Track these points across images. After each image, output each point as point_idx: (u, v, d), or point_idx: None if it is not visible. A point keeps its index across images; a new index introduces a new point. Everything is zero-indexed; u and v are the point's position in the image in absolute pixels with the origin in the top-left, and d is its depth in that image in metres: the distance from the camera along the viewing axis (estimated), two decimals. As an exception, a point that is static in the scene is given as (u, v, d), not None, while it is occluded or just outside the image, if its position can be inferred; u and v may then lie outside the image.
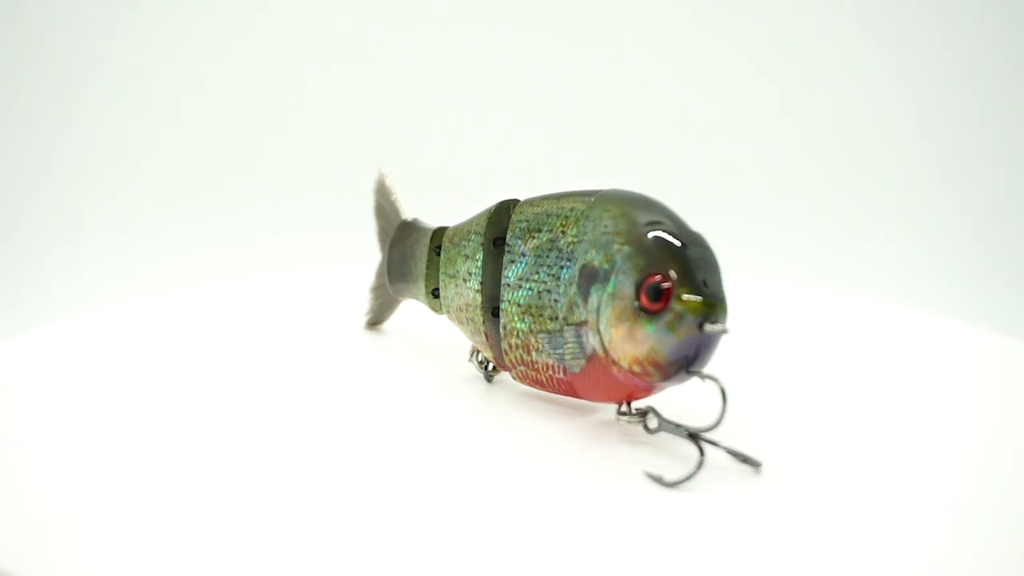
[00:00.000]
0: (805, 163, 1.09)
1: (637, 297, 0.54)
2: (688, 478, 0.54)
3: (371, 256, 0.76)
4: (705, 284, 0.53)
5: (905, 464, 0.58)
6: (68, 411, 0.61)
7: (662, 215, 0.57)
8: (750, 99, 1.10)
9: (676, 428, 0.56)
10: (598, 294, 0.56)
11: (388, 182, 0.73)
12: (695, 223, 0.58)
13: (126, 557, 0.48)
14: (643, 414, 0.57)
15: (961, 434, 0.62)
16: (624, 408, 0.58)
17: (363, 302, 0.75)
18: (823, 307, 0.83)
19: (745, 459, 0.55)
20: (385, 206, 0.73)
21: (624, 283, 0.55)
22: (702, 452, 0.54)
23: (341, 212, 1.02)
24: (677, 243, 0.55)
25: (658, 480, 0.54)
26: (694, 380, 0.55)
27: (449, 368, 0.68)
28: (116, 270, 0.96)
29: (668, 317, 0.53)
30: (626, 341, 0.54)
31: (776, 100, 1.10)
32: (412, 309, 0.72)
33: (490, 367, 0.65)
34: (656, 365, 0.54)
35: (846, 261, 1.03)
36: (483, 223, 0.64)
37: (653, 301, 0.54)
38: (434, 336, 0.72)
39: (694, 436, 0.55)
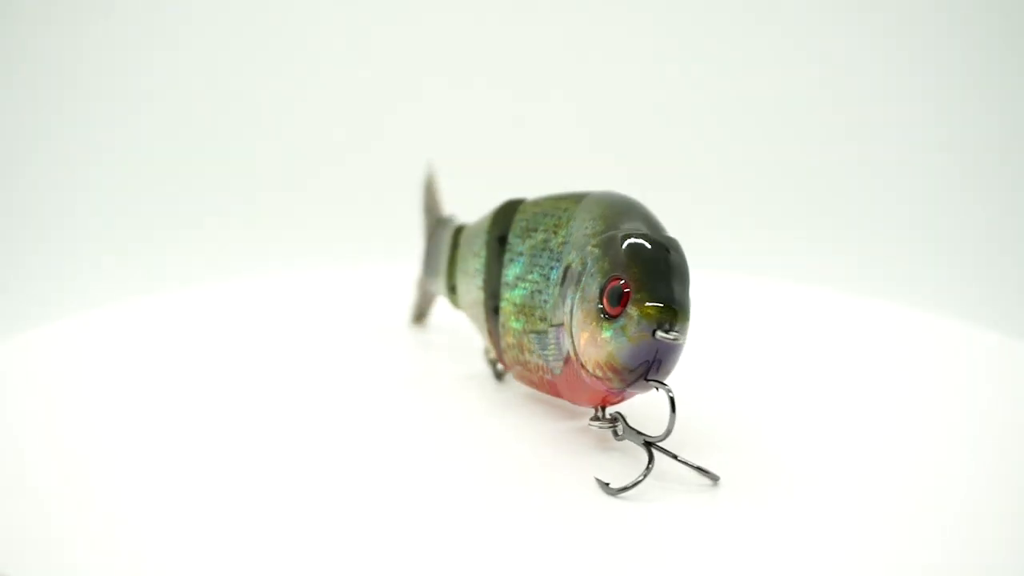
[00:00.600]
0: (794, 161, 1.09)
1: (600, 300, 0.53)
2: (632, 486, 0.53)
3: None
4: (666, 291, 0.52)
5: (878, 482, 0.56)
6: (69, 411, 0.61)
7: (640, 219, 0.56)
8: (756, 100, 1.10)
9: (636, 436, 0.55)
10: (572, 296, 0.55)
11: (433, 178, 0.74)
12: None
13: (128, 558, 0.48)
14: (613, 420, 0.56)
15: (932, 440, 0.61)
16: (598, 413, 0.57)
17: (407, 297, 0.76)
18: (807, 305, 0.81)
19: (703, 472, 0.54)
20: (429, 201, 0.74)
21: (591, 285, 0.54)
22: (651, 461, 0.54)
23: (355, 211, 1.02)
24: (646, 247, 0.54)
25: (604, 487, 0.54)
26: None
27: (463, 365, 0.68)
28: (117, 269, 0.96)
29: (624, 322, 0.52)
30: (590, 344, 0.54)
31: (773, 100, 1.10)
32: (444, 305, 0.72)
33: (499, 365, 0.65)
34: (614, 370, 0.53)
35: (833, 259, 1.02)
36: (489, 221, 0.64)
37: (613, 305, 0.53)
38: (459, 332, 0.72)
39: (649, 445, 0.54)
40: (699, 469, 0.54)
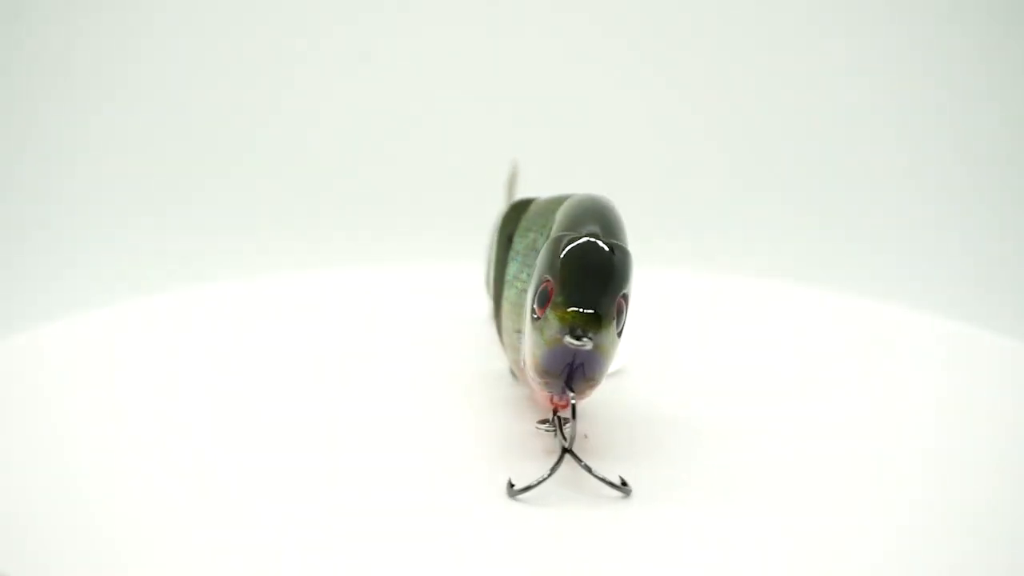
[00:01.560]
0: (792, 162, 1.09)
1: (534, 301, 0.53)
2: (529, 488, 0.52)
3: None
4: (583, 295, 0.51)
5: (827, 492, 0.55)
6: (69, 411, 0.61)
7: (597, 221, 0.55)
8: (758, 101, 1.10)
9: (562, 441, 0.54)
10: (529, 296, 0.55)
11: (514, 175, 0.74)
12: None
13: (129, 558, 0.48)
14: (553, 424, 0.55)
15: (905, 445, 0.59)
16: (549, 416, 0.55)
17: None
18: (800, 306, 0.79)
19: (615, 486, 0.53)
20: (507, 198, 0.74)
21: (532, 286, 0.54)
22: (556, 464, 0.53)
23: (373, 211, 1.03)
24: (576, 249, 0.52)
25: (509, 488, 0.53)
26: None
27: (491, 363, 0.68)
28: (121, 269, 0.96)
29: (542, 324, 0.52)
30: (525, 346, 0.54)
31: (773, 100, 1.10)
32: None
33: None
34: (538, 373, 0.52)
35: (826, 259, 1.02)
36: (502, 218, 0.65)
37: (540, 306, 0.52)
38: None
39: (565, 451, 0.53)
40: (610, 483, 0.53)
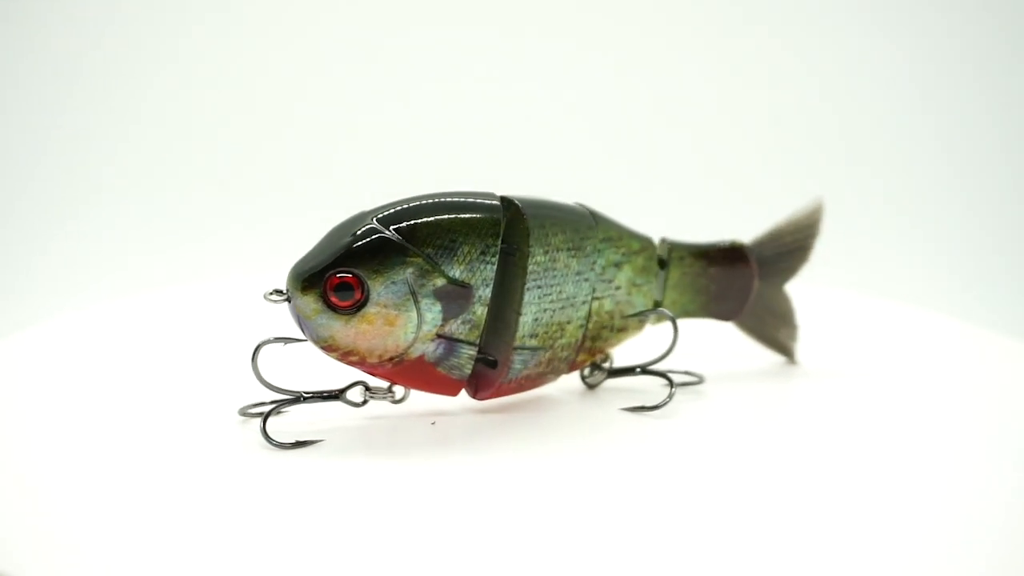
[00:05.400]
0: (797, 162, 1.09)
1: None
2: (256, 407, 0.57)
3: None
4: (301, 261, 0.55)
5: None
6: (66, 410, 0.61)
7: (410, 209, 0.56)
8: (757, 100, 1.10)
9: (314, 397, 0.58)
10: None
11: (818, 215, 0.68)
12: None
13: (128, 557, 0.48)
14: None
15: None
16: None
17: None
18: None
19: (276, 443, 0.56)
20: (805, 237, 0.69)
21: None
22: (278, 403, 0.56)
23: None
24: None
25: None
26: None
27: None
28: (112, 269, 0.96)
29: None
30: None
31: (774, 100, 1.10)
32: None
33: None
34: None
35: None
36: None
37: None
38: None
39: (300, 399, 0.57)
40: (272, 440, 0.56)
